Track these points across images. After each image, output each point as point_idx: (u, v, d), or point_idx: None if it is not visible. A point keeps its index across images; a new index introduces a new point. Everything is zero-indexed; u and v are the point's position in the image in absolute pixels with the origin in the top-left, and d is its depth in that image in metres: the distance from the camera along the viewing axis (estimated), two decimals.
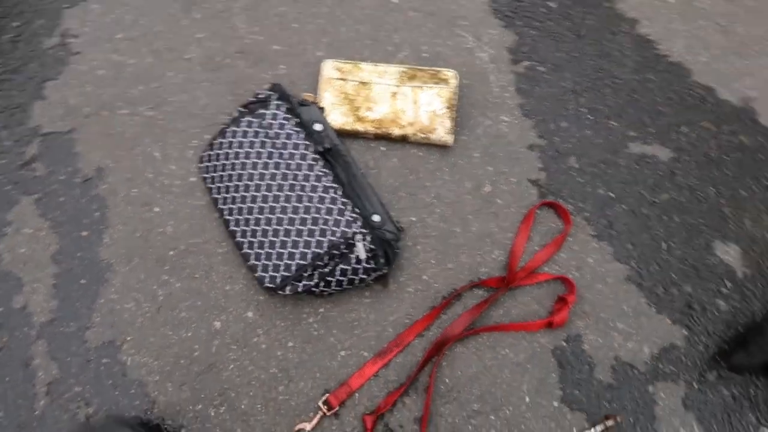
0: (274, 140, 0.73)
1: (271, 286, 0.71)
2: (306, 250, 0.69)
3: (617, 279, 0.78)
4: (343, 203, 0.70)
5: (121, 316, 0.74)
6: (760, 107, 0.90)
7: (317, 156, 0.72)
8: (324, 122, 0.76)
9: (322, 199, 0.70)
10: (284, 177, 0.71)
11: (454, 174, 0.82)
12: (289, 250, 0.70)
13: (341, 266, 0.69)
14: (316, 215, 0.69)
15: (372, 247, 0.69)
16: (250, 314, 0.75)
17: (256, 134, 0.74)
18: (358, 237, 0.68)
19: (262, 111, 0.75)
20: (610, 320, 0.76)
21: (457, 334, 0.74)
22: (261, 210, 0.71)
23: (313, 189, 0.70)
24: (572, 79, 0.91)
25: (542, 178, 0.83)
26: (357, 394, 0.72)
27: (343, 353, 0.74)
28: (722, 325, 0.76)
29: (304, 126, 0.75)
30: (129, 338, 0.73)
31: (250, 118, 0.75)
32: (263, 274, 0.71)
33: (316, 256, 0.69)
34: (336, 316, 0.75)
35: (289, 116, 0.74)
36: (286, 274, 0.70)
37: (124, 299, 0.75)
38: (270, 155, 0.72)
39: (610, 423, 0.72)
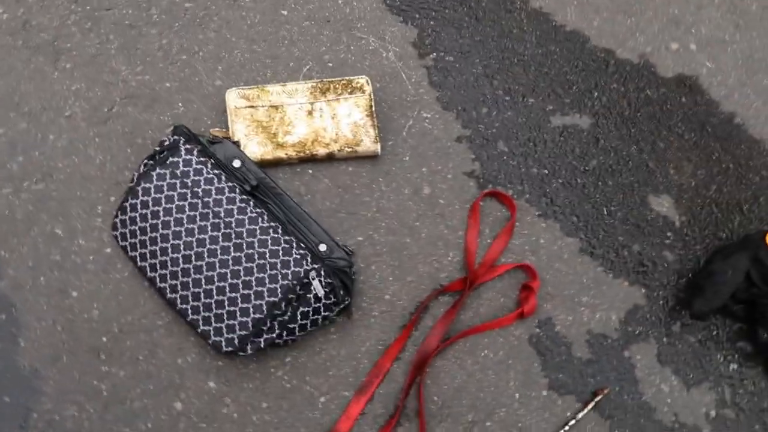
0: (195, 189, 0.75)
1: (230, 349, 0.72)
2: (259, 302, 0.72)
3: (571, 253, 0.89)
4: (287, 241, 0.74)
5: (62, 426, 0.73)
6: (655, 60, 1.05)
7: (246, 197, 0.75)
8: (242, 157, 0.79)
9: (263, 243, 0.73)
10: (216, 227, 0.73)
11: (389, 182, 0.88)
12: (241, 306, 0.72)
13: (301, 309, 0.72)
14: (261, 261, 0.72)
15: (328, 280, 0.74)
16: (212, 384, 0.76)
17: (173, 186, 0.75)
18: (312, 274, 0.72)
19: (172, 159, 0.76)
20: (574, 296, 0.86)
21: (434, 348, 0.80)
22: (199, 269, 0.73)
23: (251, 233, 0.73)
24: (481, 64, 1.01)
25: (476, 168, 0.91)
26: None
27: (323, 399, 0.77)
28: (674, 276, 0.89)
29: (223, 166, 0.77)
30: None
31: (161, 170, 0.76)
32: (218, 338, 0.72)
33: (272, 306, 0.72)
34: (306, 362, 0.78)
35: (203, 159, 0.76)
36: (243, 332, 0.72)
37: (61, 406, 0.73)
38: (194, 207, 0.74)
39: (599, 398, 0.82)
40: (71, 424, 0.73)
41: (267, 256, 0.72)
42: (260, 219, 0.74)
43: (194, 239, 0.73)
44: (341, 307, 0.75)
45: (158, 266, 0.74)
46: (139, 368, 0.75)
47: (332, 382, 0.78)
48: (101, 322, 0.76)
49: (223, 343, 0.72)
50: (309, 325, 0.74)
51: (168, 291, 0.74)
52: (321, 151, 0.85)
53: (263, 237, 0.73)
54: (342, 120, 0.86)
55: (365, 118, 0.87)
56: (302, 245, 0.74)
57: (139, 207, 0.76)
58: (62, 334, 0.76)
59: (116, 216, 0.78)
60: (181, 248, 0.73)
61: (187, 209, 0.74)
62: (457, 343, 0.81)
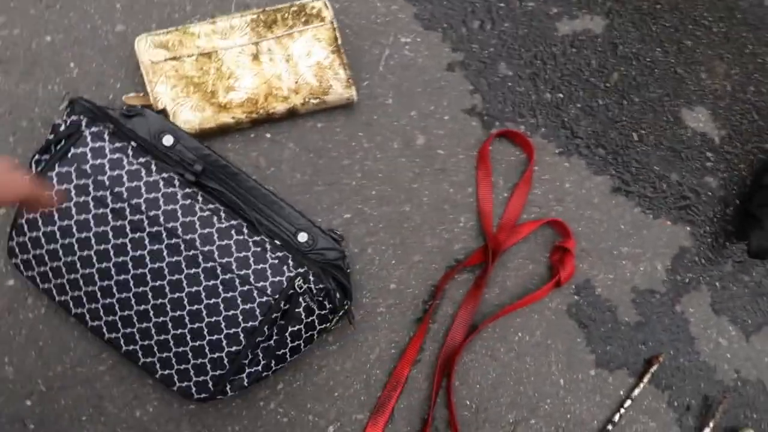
0: (115, 189, 0.63)
1: (204, 395, 0.64)
2: (233, 330, 0.63)
3: (603, 195, 0.85)
4: (257, 243, 0.65)
5: None
6: None
7: (190, 189, 0.65)
8: (174, 130, 0.68)
9: (225, 250, 0.63)
10: (156, 239, 0.63)
11: (373, 137, 0.80)
12: (210, 338, 0.63)
13: (291, 329, 0.65)
14: (227, 276, 0.63)
15: (320, 286, 0.66)
16: None
17: (83, 190, 0.63)
18: (299, 282, 0.64)
19: (75, 151, 0.64)
20: (613, 248, 0.84)
21: (460, 342, 0.75)
22: (142, 298, 0.63)
23: (206, 240, 0.63)
24: None
25: (477, 102, 0.85)
26: None
27: (331, 429, 0.72)
28: (720, 205, 0.87)
29: (150, 148, 0.66)
30: None
31: (61, 168, 0.63)
32: (185, 384, 0.64)
33: (252, 332, 0.63)
34: (303, 386, 0.72)
35: (120, 144, 0.64)
36: (218, 372, 0.63)
37: None
38: (119, 214, 0.63)
39: (654, 368, 0.82)
40: None
41: (234, 267, 0.63)
42: (215, 218, 0.64)
43: (128, 259, 0.62)
44: (340, 313, 0.69)
45: (85, 299, 0.64)
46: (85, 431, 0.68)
47: (340, 406, 0.72)
48: (19, 380, 0.66)
49: (194, 389, 0.64)
50: (303, 345, 0.66)
51: (105, 329, 0.64)
52: (279, 107, 0.75)
53: (224, 242, 0.64)
54: (300, 62, 0.76)
55: (330, 55, 0.76)
56: (277, 243, 0.66)
57: (41, 223, 0.63)
58: None
59: (11, 238, 0.65)
60: (113, 273, 0.62)
61: (110, 219, 0.63)
62: (485, 330, 0.79)
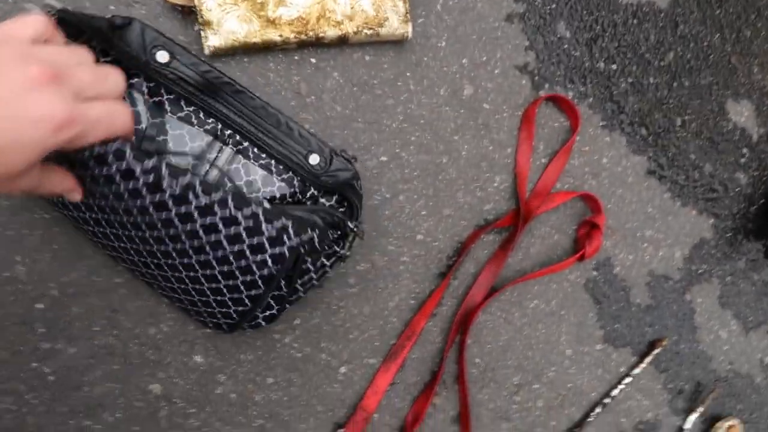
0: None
1: (228, 325, 0.62)
2: (237, 296, 0.59)
3: (637, 176, 0.84)
4: (250, 215, 0.56)
5: None
6: None
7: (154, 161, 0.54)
8: (168, 44, 0.58)
9: (210, 228, 0.56)
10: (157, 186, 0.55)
11: (420, 80, 0.76)
12: (217, 298, 0.60)
13: (300, 280, 0.61)
14: (220, 251, 0.56)
15: (329, 240, 0.61)
16: (198, 359, 0.67)
17: None
18: (302, 249, 0.58)
19: None
20: (637, 230, 0.83)
21: (479, 302, 0.75)
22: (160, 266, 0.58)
23: (184, 219, 0.55)
24: None
25: (531, 60, 0.81)
26: (376, 416, 0.72)
27: (343, 370, 0.72)
28: (745, 202, 0.87)
29: (139, 66, 0.58)
30: None
31: None
32: (202, 318, 0.62)
33: (256, 299, 0.59)
34: (320, 324, 0.71)
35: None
36: (228, 321, 0.61)
37: None
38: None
39: (657, 350, 0.83)
40: (9, 421, 0.62)
41: (224, 243, 0.56)
42: (189, 193, 0.54)
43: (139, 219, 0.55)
44: (351, 239, 0.64)
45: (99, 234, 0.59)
46: (96, 343, 0.64)
47: (354, 348, 0.71)
48: (31, 282, 0.63)
49: (216, 322, 0.62)
50: (316, 282, 0.64)
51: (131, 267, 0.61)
52: (330, 32, 0.70)
53: (208, 219, 0.55)
54: None
55: None
56: (268, 207, 0.57)
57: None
58: None
59: None
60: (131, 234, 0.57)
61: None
62: (504, 293, 0.78)
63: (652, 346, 0.82)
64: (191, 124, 0.59)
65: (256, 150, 0.61)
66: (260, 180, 0.61)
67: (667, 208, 0.84)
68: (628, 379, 0.80)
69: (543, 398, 0.78)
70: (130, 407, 0.65)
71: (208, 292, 0.59)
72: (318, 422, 0.70)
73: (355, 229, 0.64)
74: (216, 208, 0.55)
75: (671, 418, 0.84)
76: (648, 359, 0.81)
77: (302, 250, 0.58)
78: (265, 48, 0.71)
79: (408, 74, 0.76)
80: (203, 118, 0.60)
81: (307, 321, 0.70)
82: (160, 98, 0.59)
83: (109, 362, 0.65)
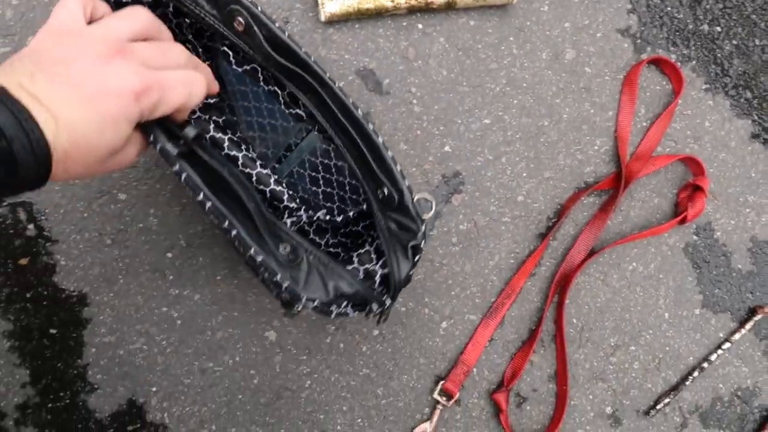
0: None
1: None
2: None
3: (741, 140, 0.82)
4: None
5: (131, 362, 0.67)
6: None
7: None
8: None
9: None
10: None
11: (523, 44, 0.76)
12: None
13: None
14: None
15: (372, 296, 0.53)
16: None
17: None
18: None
19: None
20: (740, 195, 0.82)
21: (578, 263, 0.75)
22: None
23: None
24: None
25: (633, 24, 0.80)
26: (475, 370, 0.74)
27: (444, 325, 0.74)
28: None
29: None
30: (153, 389, 0.68)
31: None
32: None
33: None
34: (424, 280, 0.73)
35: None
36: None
37: (125, 339, 0.67)
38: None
39: (758, 317, 0.81)
40: (142, 360, 0.68)
41: None
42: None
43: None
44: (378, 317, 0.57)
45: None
46: (219, 291, 0.68)
47: (455, 305, 0.73)
48: (162, 233, 0.68)
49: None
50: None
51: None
52: None
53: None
54: None
55: None
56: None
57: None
58: (113, 248, 0.67)
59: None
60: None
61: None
62: (602, 255, 0.78)
63: (752, 312, 0.81)
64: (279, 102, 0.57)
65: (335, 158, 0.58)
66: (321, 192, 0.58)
67: None
68: (726, 345, 0.79)
69: (639, 360, 0.78)
70: (247, 352, 0.70)
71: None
72: (420, 374, 0.73)
73: (382, 310, 0.55)
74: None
75: None
76: (748, 326, 0.80)
77: None
78: (377, 14, 0.73)
79: (511, 38, 0.77)
80: (289, 101, 0.58)
81: (413, 278, 0.73)
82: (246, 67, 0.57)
83: (230, 309, 0.69)
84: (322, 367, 0.71)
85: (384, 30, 0.74)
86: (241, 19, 0.50)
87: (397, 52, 0.74)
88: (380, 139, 0.51)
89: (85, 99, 0.38)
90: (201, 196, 0.46)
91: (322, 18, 0.70)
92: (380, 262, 0.55)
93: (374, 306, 0.53)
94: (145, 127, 0.44)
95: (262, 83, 0.58)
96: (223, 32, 0.51)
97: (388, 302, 0.53)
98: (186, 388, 0.69)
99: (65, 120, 0.37)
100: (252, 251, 0.47)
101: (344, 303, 0.51)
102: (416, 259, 0.53)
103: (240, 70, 0.58)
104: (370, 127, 0.51)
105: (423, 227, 0.53)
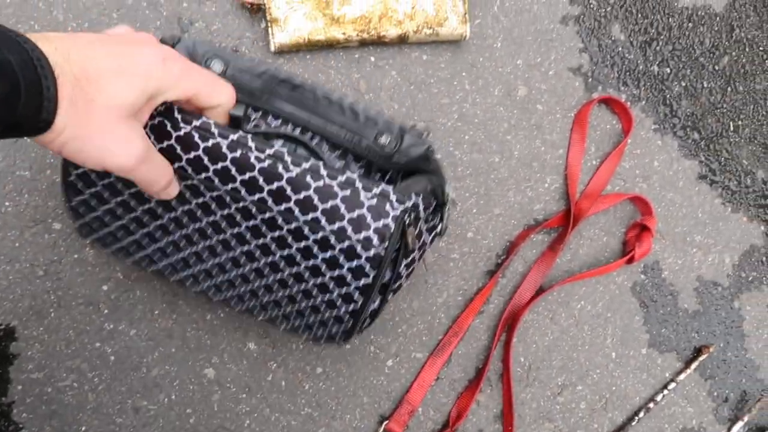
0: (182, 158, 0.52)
1: (336, 340, 0.59)
2: (345, 290, 0.54)
3: (688, 180, 0.83)
4: (343, 184, 0.52)
5: (59, 401, 0.63)
6: None
7: (235, 137, 0.51)
8: (221, 53, 0.57)
9: (307, 204, 0.51)
10: (223, 203, 0.53)
11: (475, 79, 0.76)
12: (323, 297, 0.55)
13: (404, 261, 0.56)
14: (320, 234, 0.51)
15: (429, 210, 0.57)
16: (252, 346, 0.68)
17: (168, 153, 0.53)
18: (407, 219, 0.53)
19: None
20: (687, 234, 0.82)
21: (527, 301, 0.74)
22: (237, 262, 0.56)
23: (280, 197, 0.51)
24: None
25: (585, 63, 0.80)
26: (420, 410, 0.72)
27: (390, 363, 0.72)
28: None
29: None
30: (83, 429, 0.64)
31: None
32: (309, 332, 0.59)
33: (366, 289, 0.54)
34: None
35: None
36: (341, 328, 0.57)
37: (54, 375, 0.64)
38: (196, 191, 0.53)
39: (703, 357, 0.81)
40: (71, 398, 0.64)
41: (324, 223, 0.51)
42: (280, 166, 0.51)
43: (203, 225, 0.54)
44: (446, 214, 0.60)
45: (178, 267, 0.58)
46: (156, 326, 0.66)
47: (402, 342, 0.72)
48: (98, 265, 0.65)
49: (324, 339, 0.59)
50: (417, 262, 0.60)
51: (211, 293, 0.59)
52: (391, 31, 0.70)
53: (301, 195, 0.51)
54: None
55: None
56: (368, 177, 0.56)
57: (108, 195, 0.54)
58: (45, 280, 0.64)
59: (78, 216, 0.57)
60: (196, 239, 0.55)
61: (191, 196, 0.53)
62: (551, 293, 0.77)
63: (698, 352, 0.81)
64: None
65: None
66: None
67: (718, 214, 0.82)
68: (672, 385, 0.79)
69: (586, 400, 0.77)
70: (184, 390, 0.67)
71: (314, 292, 0.55)
72: (363, 413, 0.70)
73: (449, 197, 0.61)
74: (309, 179, 0.51)
75: (715, 427, 0.82)
76: (694, 365, 0.80)
77: (407, 221, 0.52)
78: (329, 46, 0.71)
79: (464, 74, 0.76)
80: (270, 122, 0.58)
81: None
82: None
83: (167, 345, 0.66)
84: (262, 405, 0.68)
85: (335, 62, 0.72)
86: (217, 60, 0.57)
87: (349, 84, 0.73)
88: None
89: (110, 44, 0.41)
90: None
91: (272, 48, 0.68)
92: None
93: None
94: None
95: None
96: None
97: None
98: (118, 427, 0.65)
99: (80, 52, 0.38)
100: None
101: None
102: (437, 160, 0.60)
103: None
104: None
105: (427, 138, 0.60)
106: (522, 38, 0.79)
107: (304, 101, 0.58)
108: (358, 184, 0.52)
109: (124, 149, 0.41)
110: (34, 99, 0.34)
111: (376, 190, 0.52)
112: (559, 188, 0.78)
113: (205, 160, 0.51)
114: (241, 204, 0.52)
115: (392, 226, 0.52)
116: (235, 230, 0.54)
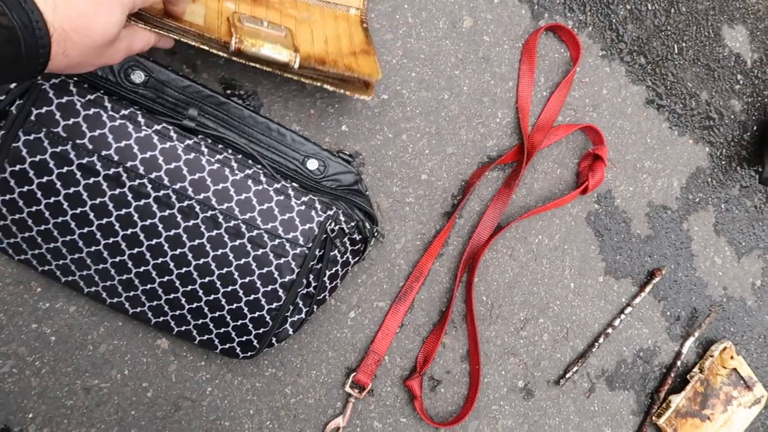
0: (102, 153, 0.51)
1: (250, 353, 0.58)
2: (270, 287, 0.55)
3: (636, 106, 0.81)
4: (278, 190, 0.55)
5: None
6: None
7: (191, 141, 0.53)
8: (142, 63, 0.56)
9: (246, 204, 0.54)
10: (166, 204, 0.52)
11: (419, 12, 0.70)
12: (247, 298, 0.55)
13: (328, 273, 0.58)
14: (255, 231, 0.54)
15: (351, 224, 0.58)
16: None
17: (64, 160, 0.51)
18: (330, 225, 0.56)
19: (38, 112, 0.51)
20: (636, 161, 0.80)
21: (485, 240, 0.71)
22: (166, 269, 0.54)
23: (224, 197, 0.53)
24: None
25: None
26: (387, 358, 0.69)
27: (352, 314, 0.68)
28: (739, 129, 0.85)
29: (124, 93, 0.54)
30: (30, 416, 0.58)
31: (28, 137, 0.50)
32: (228, 345, 0.57)
33: (290, 286, 0.56)
34: None
35: (90, 95, 0.52)
36: (261, 330, 0.56)
37: None
38: (116, 182, 0.51)
39: (656, 279, 0.81)
40: (12, 385, 0.58)
41: (259, 222, 0.54)
42: (227, 169, 0.54)
43: (137, 230, 0.52)
44: (371, 242, 0.61)
45: (97, 278, 0.54)
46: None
47: (362, 292, 0.68)
48: None
49: (238, 349, 0.57)
50: (340, 282, 0.61)
51: (128, 305, 0.56)
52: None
53: (242, 196, 0.54)
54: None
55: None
56: (296, 186, 0.56)
57: (22, 203, 0.51)
58: None
59: None
60: (124, 247, 0.53)
61: (105, 188, 0.51)
62: (508, 230, 0.75)
63: (651, 275, 0.81)
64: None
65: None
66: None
67: (665, 138, 0.81)
68: (628, 309, 0.79)
69: (548, 332, 0.76)
70: (137, 363, 0.61)
71: (240, 293, 0.55)
72: (330, 368, 0.67)
73: (375, 232, 0.63)
74: (250, 182, 0.55)
75: (669, 344, 0.83)
76: (648, 289, 0.80)
77: (330, 229, 0.56)
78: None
79: (405, 6, 0.71)
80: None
81: None
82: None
83: (112, 318, 0.60)
84: (223, 371, 0.64)
85: None
86: (138, 71, 0.56)
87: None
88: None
89: None
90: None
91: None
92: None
93: None
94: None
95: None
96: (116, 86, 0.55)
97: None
98: (69, 410, 0.60)
99: (62, 6, 0.38)
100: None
101: None
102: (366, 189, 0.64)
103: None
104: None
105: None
106: None
107: (229, 119, 0.58)
108: (290, 192, 0.56)
109: (111, 59, 0.44)
110: (32, 59, 0.37)
111: (305, 198, 0.57)
112: (510, 122, 0.74)
113: (160, 159, 0.53)
114: (185, 203, 0.52)
115: (316, 229, 0.57)
116: (172, 232, 0.53)
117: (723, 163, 0.84)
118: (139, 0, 0.44)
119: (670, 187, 0.81)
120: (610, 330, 0.78)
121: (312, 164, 0.59)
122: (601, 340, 0.78)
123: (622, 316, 0.78)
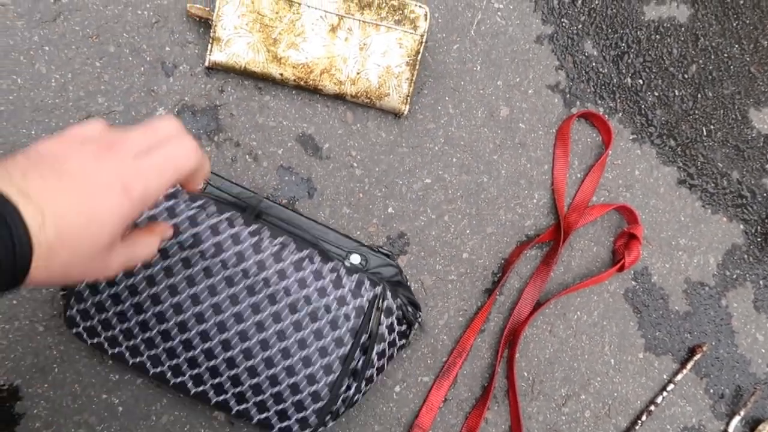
0: (178, 239, 0.57)
1: (308, 431, 0.61)
2: (326, 360, 0.59)
3: (669, 186, 0.85)
4: (332, 269, 0.61)
5: None
6: None
7: (254, 227, 0.60)
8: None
9: (303, 282, 0.59)
10: (231, 282, 0.58)
11: (458, 103, 0.77)
12: (305, 371, 0.59)
13: (376, 348, 0.61)
14: (311, 306, 0.59)
15: (397, 301, 0.63)
16: None
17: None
18: (377, 303, 0.61)
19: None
20: (671, 239, 0.84)
21: (526, 316, 0.75)
22: (228, 345, 0.58)
23: (283, 275, 0.58)
24: None
25: (562, 79, 0.82)
26: None
27: (398, 389, 0.72)
28: None
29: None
30: None
31: None
32: (285, 424, 0.60)
33: (345, 359, 0.60)
34: None
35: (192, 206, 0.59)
36: (318, 405, 0.59)
37: None
38: (186, 263, 0.57)
39: (697, 356, 0.83)
40: None
41: (314, 298, 0.59)
42: (285, 251, 0.60)
43: (204, 307, 0.57)
44: (415, 327, 0.66)
45: (164, 357, 0.58)
46: None
47: (407, 368, 0.72)
48: None
49: (296, 427, 0.60)
50: (386, 363, 0.64)
51: (191, 384, 0.59)
52: (329, 87, 0.70)
53: (299, 275, 0.59)
54: (372, 56, 0.70)
55: (404, 66, 0.70)
56: (347, 265, 0.63)
57: (102, 286, 0.57)
58: (46, 336, 0.62)
59: (69, 307, 0.58)
60: (190, 325, 0.57)
61: (176, 271, 0.57)
62: (548, 306, 0.78)
63: (692, 352, 0.83)
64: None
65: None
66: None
67: (699, 216, 0.85)
68: (670, 386, 0.80)
69: (590, 408, 0.78)
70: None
71: (298, 367, 0.59)
72: None
73: (419, 320, 0.68)
74: (306, 263, 0.61)
75: (714, 423, 0.83)
76: (689, 365, 0.81)
77: (378, 304, 0.61)
78: (263, 78, 0.71)
79: (447, 98, 0.77)
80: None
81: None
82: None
83: (174, 391, 0.66)
84: None
85: (321, 95, 0.73)
86: None
87: (336, 116, 0.73)
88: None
89: (74, 191, 0.37)
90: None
91: (206, 63, 0.69)
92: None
93: None
94: None
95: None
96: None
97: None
98: None
99: (53, 212, 0.35)
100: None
101: None
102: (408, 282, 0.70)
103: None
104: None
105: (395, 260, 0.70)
106: (500, 60, 0.80)
107: (277, 222, 0.64)
108: (342, 271, 0.62)
109: (103, 273, 0.41)
110: (8, 272, 0.34)
111: (354, 276, 0.62)
112: (547, 203, 0.79)
113: (228, 243, 0.59)
114: (249, 281, 0.58)
115: (366, 304, 0.61)
116: (235, 309, 0.58)
117: (759, 239, 0.87)
118: (137, 213, 0.40)
119: (706, 263, 0.84)
120: (652, 407, 0.79)
121: (355, 259, 0.65)
122: (644, 417, 0.79)
123: (665, 393, 0.80)
